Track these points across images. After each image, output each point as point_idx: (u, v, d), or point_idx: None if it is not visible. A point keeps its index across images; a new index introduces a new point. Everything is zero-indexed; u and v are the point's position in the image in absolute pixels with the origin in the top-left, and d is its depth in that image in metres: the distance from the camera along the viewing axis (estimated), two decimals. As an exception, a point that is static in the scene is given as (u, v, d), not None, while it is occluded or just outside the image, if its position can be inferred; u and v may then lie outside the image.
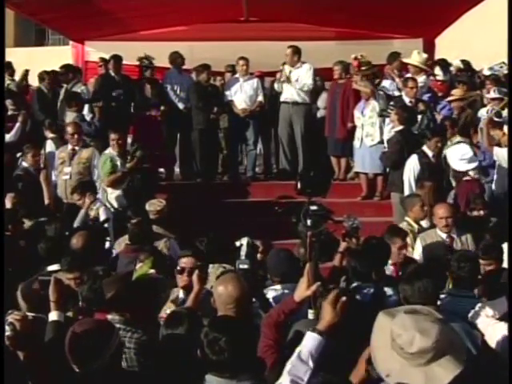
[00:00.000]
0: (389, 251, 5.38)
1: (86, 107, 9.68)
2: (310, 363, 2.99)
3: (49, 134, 8.95)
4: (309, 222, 3.41)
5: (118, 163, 8.13)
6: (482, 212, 6.97)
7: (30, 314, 3.83)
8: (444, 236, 6.39)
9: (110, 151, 8.20)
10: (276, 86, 9.94)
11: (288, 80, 9.67)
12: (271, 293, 4.47)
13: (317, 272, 3.34)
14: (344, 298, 3.11)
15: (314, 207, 3.46)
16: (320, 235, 3.40)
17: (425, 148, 8.01)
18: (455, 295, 4.50)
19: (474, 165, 8.00)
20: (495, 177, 7.97)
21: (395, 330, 2.70)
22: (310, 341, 3.05)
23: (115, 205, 7.96)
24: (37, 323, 3.79)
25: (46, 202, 7.71)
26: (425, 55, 9.94)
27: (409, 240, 6.45)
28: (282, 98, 9.90)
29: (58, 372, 3.33)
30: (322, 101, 10.10)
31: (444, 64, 10.59)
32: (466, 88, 9.47)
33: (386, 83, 9.74)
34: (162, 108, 9.83)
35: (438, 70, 10.41)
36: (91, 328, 3.33)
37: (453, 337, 2.80)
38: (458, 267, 4.66)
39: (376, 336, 2.81)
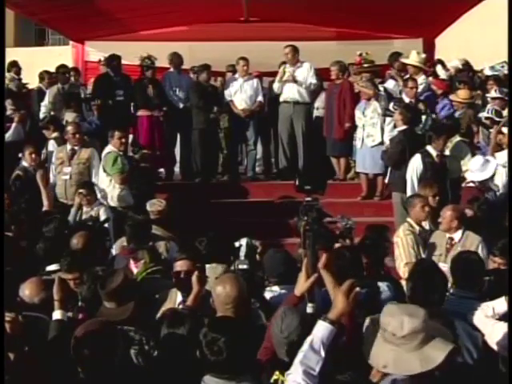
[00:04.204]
0: (386, 250, 5.38)
1: (84, 107, 9.66)
2: (322, 353, 2.92)
3: (51, 134, 8.93)
4: (303, 213, 3.44)
5: (125, 161, 8.09)
6: (473, 213, 6.94)
7: (29, 314, 3.84)
8: (449, 236, 6.36)
9: (113, 149, 8.08)
10: (276, 86, 9.84)
11: (294, 80, 9.62)
12: (268, 294, 4.45)
13: (316, 264, 3.31)
14: (358, 289, 3.06)
15: (308, 198, 3.51)
16: (313, 224, 3.39)
17: (429, 148, 7.94)
18: (456, 296, 4.49)
19: (487, 175, 7.87)
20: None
21: (384, 319, 2.92)
22: (322, 330, 2.97)
23: (116, 204, 7.92)
24: (35, 323, 3.80)
25: (44, 202, 7.54)
26: (423, 55, 9.91)
27: (410, 240, 6.45)
28: (283, 98, 9.84)
29: (59, 374, 3.32)
30: (320, 101, 10.05)
31: (443, 64, 10.62)
32: (468, 88, 9.46)
33: (390, 84, 9.73)
34: (164, 108, 9.83)
35: (439, 69, 10.42)
36: (97, 331, 3.30)
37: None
38: (460, 268, 4.65)
39: (366, 334, 3.02)
